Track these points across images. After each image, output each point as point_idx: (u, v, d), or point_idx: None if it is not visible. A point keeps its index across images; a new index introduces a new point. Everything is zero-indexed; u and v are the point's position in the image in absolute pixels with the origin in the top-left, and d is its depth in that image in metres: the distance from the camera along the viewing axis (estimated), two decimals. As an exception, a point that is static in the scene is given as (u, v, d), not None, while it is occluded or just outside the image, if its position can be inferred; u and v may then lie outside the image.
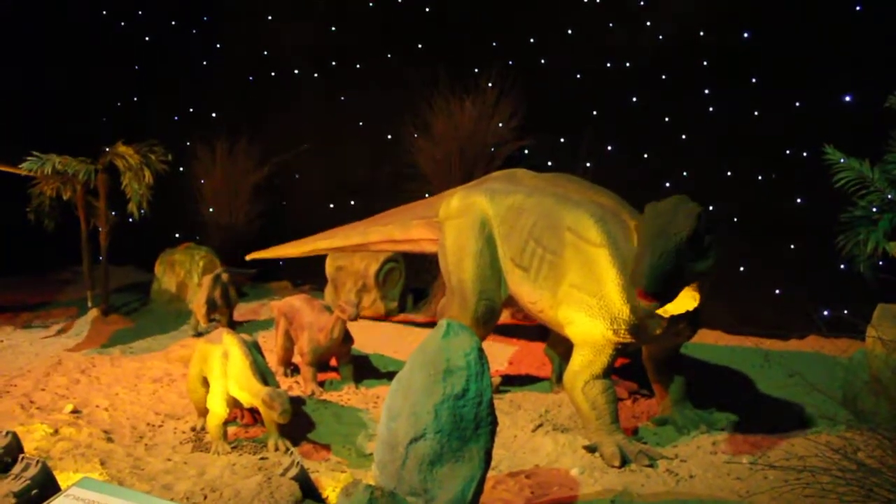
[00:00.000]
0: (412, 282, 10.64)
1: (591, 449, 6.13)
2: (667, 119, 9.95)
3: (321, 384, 7.70)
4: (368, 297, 10.23)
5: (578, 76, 10.51)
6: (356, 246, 9.06)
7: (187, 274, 10.77)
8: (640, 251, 5.58)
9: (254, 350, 6.38)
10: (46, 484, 5.16)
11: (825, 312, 8.15)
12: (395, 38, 11.43)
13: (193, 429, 6.66)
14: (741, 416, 6.79)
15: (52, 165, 9.61)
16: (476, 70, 10.71)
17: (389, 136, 11.35)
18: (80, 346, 9.32)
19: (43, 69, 12.42)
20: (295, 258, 9.89)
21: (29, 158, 9.61)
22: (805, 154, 8.90)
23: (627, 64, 10.15)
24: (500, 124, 10.50)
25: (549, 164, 10.30)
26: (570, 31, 10.51)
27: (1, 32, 12.17)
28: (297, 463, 5.27)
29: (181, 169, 11.91)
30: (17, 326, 10.07)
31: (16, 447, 5.70)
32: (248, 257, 9.97)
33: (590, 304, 6.21)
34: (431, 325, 7.15)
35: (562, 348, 7.43)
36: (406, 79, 10.94)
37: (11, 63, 12.21)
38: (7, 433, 5.72)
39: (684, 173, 9.85)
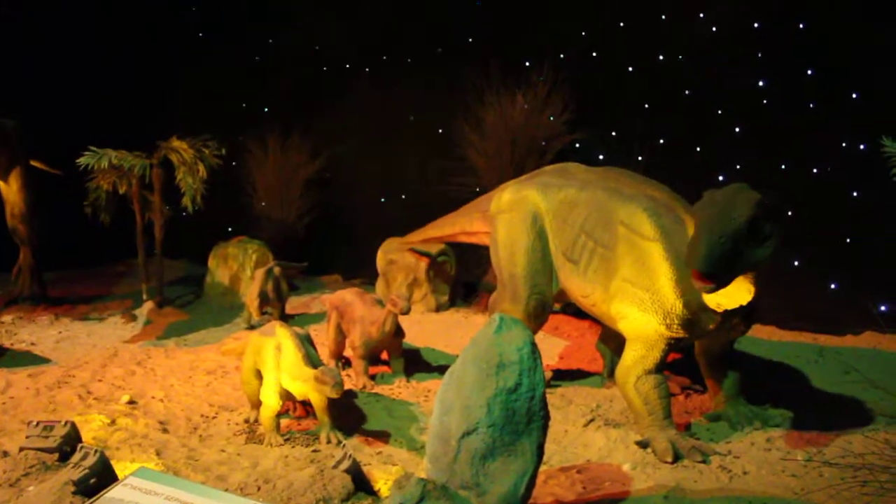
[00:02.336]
0: (463, 276, 10.64)
1: (644, 444, 6.09)
2: (720, 112, 9.83)
3: (372, 377, 7.74)
4: (419, 291, 10.26)
5: (630, 69, 10.43)
6: (446, 236, 9.35)
7: (240, 267, 10.86)
8: (697, 233, 5.48)
9: (306, 343, 6.44)
10: (104, 473, 5.23)
11: (883, 307, 8.01)
12: (447, 32, 11.43)
13: (247, 420, 6.72)
14: (796, 412, 6.70)
15: (108, 160, 9.78)
16: (527, 63, 10.68)
17: (440, 130, 11.36)
18: (135, 337, 9.47)
19: (99, 65, 12.60)
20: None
21: (86, 153, 9.77)
22: (862, 146, 8.75)
23: (680, 56, 10.05)
24: (552, 118, 10.47)
25: (601, 157, 10.25)
26: (621, 24, 10.43)
27: (56, 29, 12.36)
28: (350, 456, 5.30)
29: (234, 163, 12.03)
30: (74, 318, 10.24)
31: (74, 436, 5.81)
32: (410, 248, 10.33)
33: (643, 298, 6.16)
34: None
35: (614, 343, 7.39)
36: (457, 72, 10.93)
37: (68, 59, 12.41)
38: (66, 423, 5.83)
39: (737, 166, 9.73)
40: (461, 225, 8.79)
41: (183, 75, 13.08)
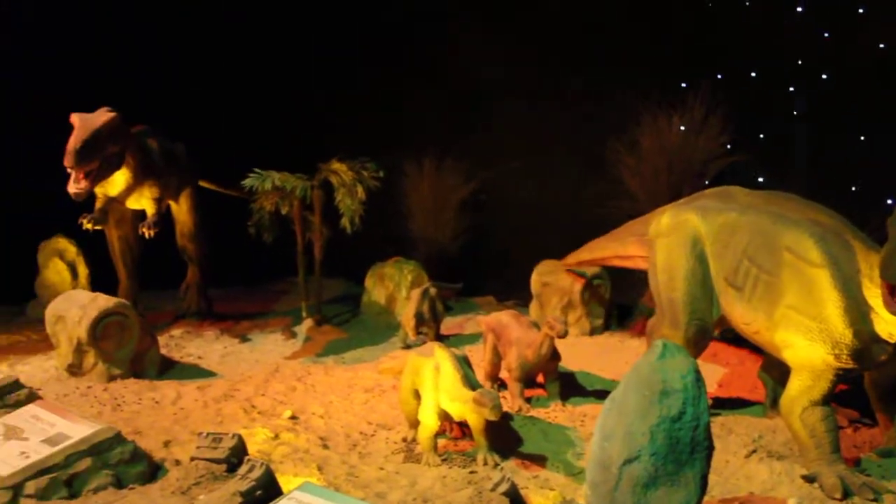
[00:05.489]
0: (618, 298, 10.52)
1: (810, 479, 5.89)
2: (891, 134, 9.43)
3: (528, 400, 7.72)
4: (574, 314, 10.18)
5: (791, 89, 10.14)
6: (599, 259, 9.32)
7: (396, 287, 11.03)
8: (893, 245, 5.29)
9: (464, 364, 6.47)
10: (269, 486, 5.41)
11: None
12: (601, 53, 11.36)
13: (405, 439, 6.81)
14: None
15: (271, 182, 10.10)
16: (684, 85, 10.52)
17: (596, 152, 11.27)
18: (296, 354, 9.75)
19: (262, 91, 13.08)
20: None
21: (251, 175, 10.15)
22: None
23: (844, 75, 9.69)
24: (709, 140, 10.26)
25: (760, 180, 9.97)
26: (780, 43, 10.14)
27: (228, 59, 12.90)
28: (508, 478, 5.31)
29: (390, 185, 12.25)
30: (238, 333, 10.61)
31: (241, 449, 6.02)
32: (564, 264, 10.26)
33: (809, 326, 5.97)
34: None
35: (776, 372, 7.17)
36: (612, 94, 10.86)
37: (234, 86, 12.94)
38: (233, 435, 6.05)
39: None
40: (614, 249, 8.73)
41: (342, 98, 13.39)
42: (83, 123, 8.73)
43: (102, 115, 8.90)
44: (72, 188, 8.70)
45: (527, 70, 12.04)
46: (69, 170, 8.62)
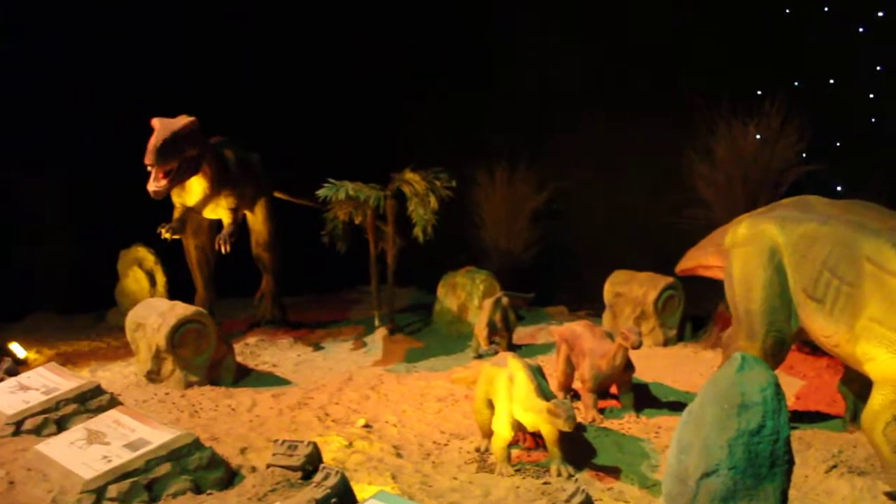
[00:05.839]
0: (692, 309, 10.40)
1: (894, 496, 5.74)
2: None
3: (601, 411, 7.68)
4: (647, 324, 10.09)
5: (871, 96, 9.93)
6: (686, 270, 8.92)
7: (468, 296, 11.04)
8: None
9: (538, 375, 6.46)
10: (344, 494, 5.46)
11: None
12: (676, 62, 11.26)
13: (478, 449, 6.80)
14: None
15: (345, 192, 10.20)
16: (759, 93, 10.37)
17: (670, 161, 11.16)
18: (369, 363, 9.82)
19: (337, 101, 13.23)
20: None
21: (325, 185, 10.26)
22: None
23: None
24: (786, 148, 10.10)
25: (838, 189, 9.78)
26: (859, 48, 9.94)
27: (303, 71, 13.07)
28: (582, 490, 5.27)
29: (463, 195, 12.27)
30: (311, 342, 10.72)
31: (316, 456, 6.10)
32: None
33: (892, 339, 5.82)
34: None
35: (857, 385, 7.01)
36: (687, 104, 10.75)
37: (310, 98, 13.11)
38: (308, 443, 6.13)
39: None
40: (698, 259, 8.61)
41: (415, 108, 13.46)
42: (163, 125, 9.03)
43: (182, 119, 9.18)
44: (151, 186, 8.93)
45: (600, 78, 11.98)
46: (149, 168, 8.86)
